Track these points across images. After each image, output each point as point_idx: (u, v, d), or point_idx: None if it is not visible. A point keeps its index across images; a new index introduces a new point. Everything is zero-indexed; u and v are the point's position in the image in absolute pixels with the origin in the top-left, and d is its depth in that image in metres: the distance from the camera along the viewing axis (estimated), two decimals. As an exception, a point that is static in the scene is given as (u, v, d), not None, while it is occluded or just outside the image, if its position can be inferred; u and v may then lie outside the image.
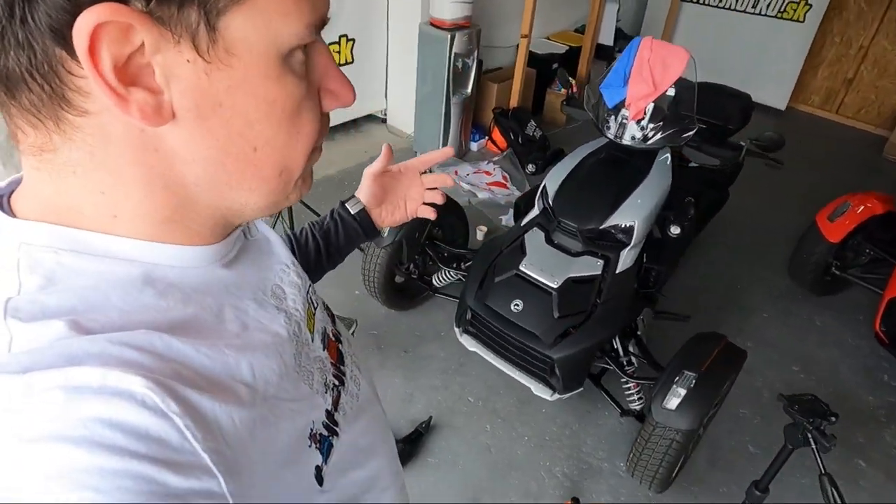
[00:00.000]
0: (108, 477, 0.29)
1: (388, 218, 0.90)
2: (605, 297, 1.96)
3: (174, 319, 0.39)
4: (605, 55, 4.83)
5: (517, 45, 3.90)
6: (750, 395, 2.37)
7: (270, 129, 0.39)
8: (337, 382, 0.56)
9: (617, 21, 5.03)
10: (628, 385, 2.06)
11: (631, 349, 2.09)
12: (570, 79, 2.61)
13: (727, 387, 1.85)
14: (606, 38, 4.96)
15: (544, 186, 2.19)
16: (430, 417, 2.16)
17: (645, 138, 2.11)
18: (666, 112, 2.11)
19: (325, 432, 0.49)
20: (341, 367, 0.59)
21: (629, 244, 2.01)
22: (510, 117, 3.98)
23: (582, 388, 2.00)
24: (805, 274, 2.89)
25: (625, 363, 2.04)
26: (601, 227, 2.02)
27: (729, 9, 5.20)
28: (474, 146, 4.16)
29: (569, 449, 2.14)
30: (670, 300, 2.61)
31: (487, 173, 3.78)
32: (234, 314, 0.45)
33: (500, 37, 4.23)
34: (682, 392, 1.68)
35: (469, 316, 2.08)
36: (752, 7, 5.07)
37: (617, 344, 2.06)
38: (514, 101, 4.06)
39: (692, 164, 2.68)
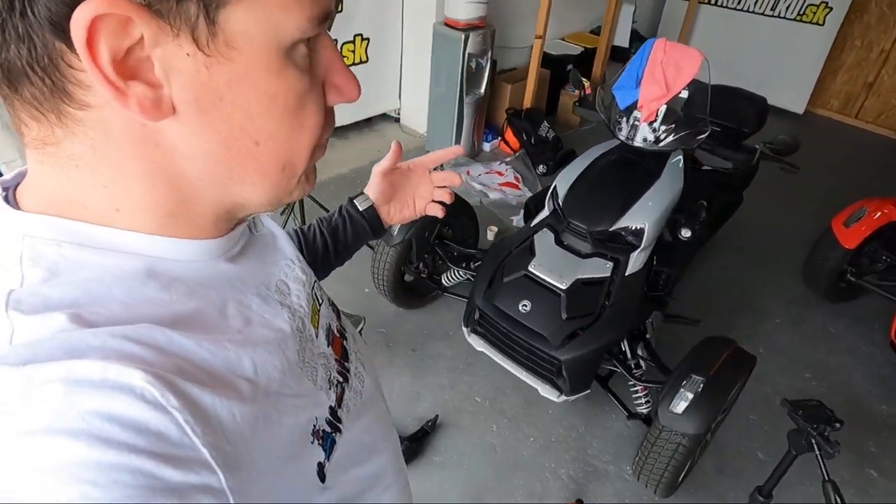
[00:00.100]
0: (106, 471, 0.29)
1: (397, 215, 0.89)
2: (613, 299, 1.95)
3: (177, 313, 0.39)
4: (620, 57, 4.80)
5: (531, 46, 3.90)
6: (760, 401, 2.34)
7: (272, 124, 0.39)
8: (341, 379, 0.55)
9: (633, 22, 5.01)
10: (636, 388, 2.05)
11: (639, 352, 2.08)
12: (583, 80, 2.60)
13: (736, 392, 1.83)
14: (622, 39, 4.94)
15: (554, 187, 2.19)
16: (437, 416, 2.16)
17: (657, 140, 2.10)
18: (679, 114, 2.10)
19: (327, 429, 0.49)
20: (345, 364, 0.58)
21: (639, 246, 2.00)
22: (523, 118, 3.98)
23: (589, 391, 1.99)
24: (819, 280, 2.85)
25: (632, 366, 2.03)
26: (611, 229, 2.01)
27: (747, 11, 5.14)
28: (487, 146, 4.15)
29: (575, 451, 2.13)
30: (681, 303, 2.59)
31: (499, 174, 3.78)
32: (238, 309, 0.45)
33: (514, 37, 4.22)
34: (690, 396, 1.67)
35: (477, 316, 2.08)
36: (771, 9, 5.01)
37: (625, 346, 2.05)
38: (527, 102, 4.05)
39: (705, 167, 2.65)
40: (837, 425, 1.24)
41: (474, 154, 4.05)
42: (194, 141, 0.37)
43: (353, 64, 3.68)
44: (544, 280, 1.95)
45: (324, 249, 0.86)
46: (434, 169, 0.90)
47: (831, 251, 2.74)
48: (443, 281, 2.57)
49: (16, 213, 0.38)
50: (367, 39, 3.68)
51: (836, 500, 1.27)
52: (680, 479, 1.90)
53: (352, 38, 3.60)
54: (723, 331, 2.59)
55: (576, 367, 1.88)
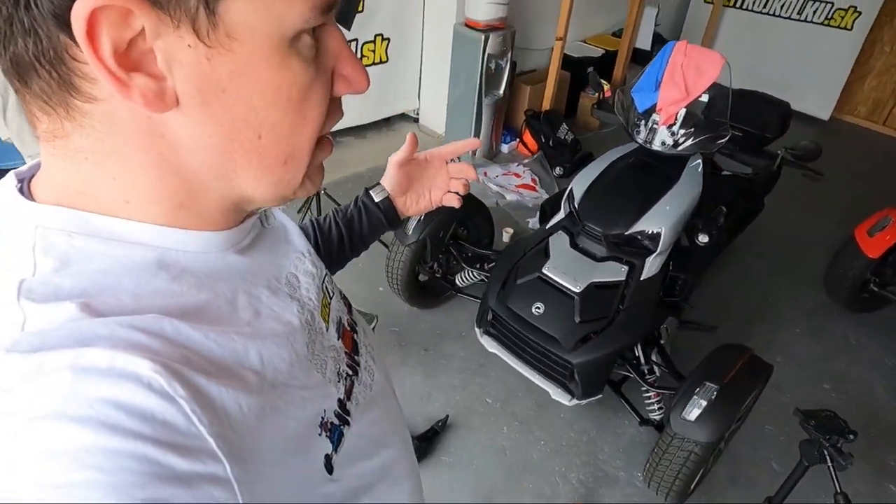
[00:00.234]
0: (112, 457, 0.29)
1: (413, 207, 0.88)
2: (628, 303, 1.93)
3: (186, 304, 0.39)
4: (642, 60, 4.76)
5: (552, 48, 3.88)
6: (776, 411, 2.30)
7: (275, 116, 0.38)
8: (350, 372, 0.56)
9: (656, 25, 4.96)
10: (649, 394, 2.03)
11: (653, 358, 2.06)
12: (603, 82, 2.58)
13: (751, 401, 1.80)
14: (644, 42, 4.89)
15: (571, 190, 2.18)
16: (447, 416, 2.16)
17: (675, 144, 2.07)
18: (698, 118, 2.07)
19: (336, 421, 0.49)
20: (355, 357, 0.59)
21: (655, 251, 1.98)
22: (542, 120, 3.96)
23: (601, 395, 1.98)
24: (841, 289, 2.79)
25: (646, 371, 2.01)
26: (627, 233, 1.99)
27: (773, 15, 5.07)
28: (505, 148, 4.15)
29: (585, 455, 2.11)
30: (699, 309, 2.55)
31: (517, 175, 3.76)
32: (248, 301, 0.45)
33: (535, 39, 4.21)
34: (703, 404, 1.65)
35: (490, 317, 2.07)
36: (798, 13, 4.93)
37: (638, 352, 2.03)
38: (546, 104, 4.04)
39: (725, 172, 2.62)
40: (851, 437, 1.21)
41: (492, 155, 4.04)
42: (197, 133, 0.37)
43: (373, 63, 3.70)
44: (558, 283, 1.94)
45: (339, 241, 0.87)
46: (450, 161, 0.89)
47: (854, 260, 2.68)
48: (457, 281, 2.57)
49: (29, 204, 0.38)
50: (388, 39, 3.70)
51: (848, 513, 1.25)
52: (692, 487, 1.88)
53: (372, 38, 3.62)
54: (740, 338, 2.54)
55: (588, 371, 1.87)
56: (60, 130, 0.36)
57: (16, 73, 0.35)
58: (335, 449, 0.48)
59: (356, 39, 3.52)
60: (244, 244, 0.48)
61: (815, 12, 4.83)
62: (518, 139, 4.16)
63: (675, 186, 2.07)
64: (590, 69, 2.59)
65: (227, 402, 0.36)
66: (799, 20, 4.94)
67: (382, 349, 0.70)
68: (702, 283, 2.74)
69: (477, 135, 3.83)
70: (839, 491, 1.28)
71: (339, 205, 1.00)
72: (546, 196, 3.52)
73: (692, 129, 2.05)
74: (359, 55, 3.59)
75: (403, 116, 4.30)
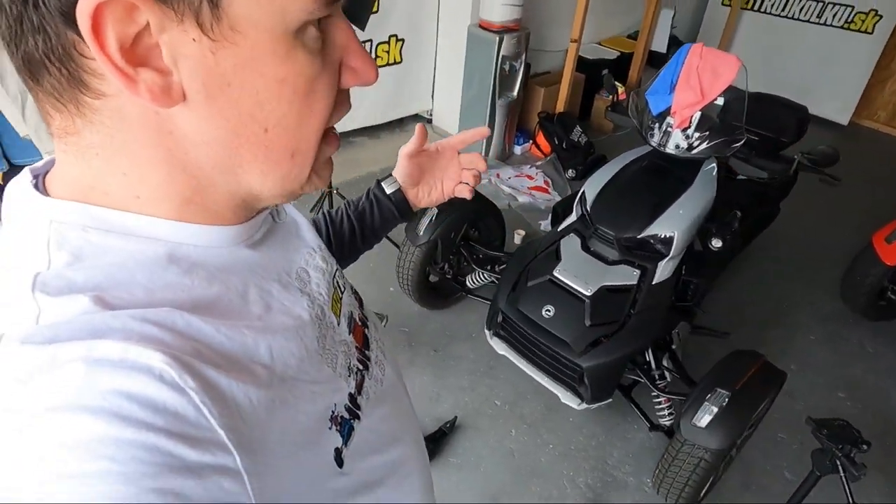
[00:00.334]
0: (124, 447, 0.30)
1: (425, 198, 0.87)
2: (639, 307, 1.92)
3: (198, 298, 0.40)
4: (657, 62, 4.71)
5: (567, 50, 3.87)
6: (790, 418, 2.27)
7: (281, 109, 0.38)
8: (361, 367, 0.56)
9: (672, 28, 4.91)
10: (659, 399, 2.01)
11: (664, 363, 2.04)
12: (617, 85, 2.56)
13: (763, 408, 1.77)
14: (660, 45, 4.86)
15: (583, 192, 2.16)
16: (455, 418, 2.16)
17: (690, 147, 2.05)
18: (713, 121, 2.05)
19: (346, 415, 0.49)
20: (366, 352, 0.59)
21: (668, 255, 1.97)
22: (555, 122, 3.95)
23: (611, 400, 1.96)
24: (858, 297, 2.75)
25: (656, 377, 1.99)
26: (639, 237, 1.97)
27: (792, 18, 5.00)
28: (518, 150, 4.14)
29: (594, 460, 2.10)
30: (712, 315, 2.53)
31: (529, 177, 3.75)
32: (259, 295, 0.45)
33: (549, 41, 4.19)
34: (714, 410, 1.63)
35: (500, 319, 2.07)
36: (818, 17, 4.86)
37: (649, 356, 2.01)
38: (560, 106, 4.02)
39: (740, 177, 2.59)
40: (864, 447, 1.19)
41: (505, 157, 4.03)
42: (204, 128, 0.37)
43: (388, 64, 3.71)
44: (569, 286, 1.93)
45: (350, 234, 0.86)
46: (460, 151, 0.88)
47: (872, 267, 2.64)
48: (467, 283, 2.57)
49: (44, 199, 0.39)
50: (402, 40, 3.71)
51: (862, 524, 1.22)
52: (702, 494, 1.86)
53: (386, 39, 3.63)
54: (754, 345, 2.51)
55: (598, 375, 1.86)
56: (72, 127, 0.37)
57: (28, 71, 0.35)
58: (345, 443, 0.48)
59: (370, 40, 3.53)
60: (255, 239, 0.49)
61: (834, 16, 4.76)
62: (531, 141, 4.15)
63: (689, 190, 2.05)
64: (604, 71, 2.58)
65: (237, 394, 0.37)
66: (818, 23, 4.87)
67: (392, 349, 0.70)
68: (715, 289, 2.71)
69: (490, 136, 3.82)
70: (852, 502, 1.26)
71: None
72: (559, 198, 3.50)
73: (707, 133, 2.03)
74: (373, 56, 3.60)
75: (417, 117, 4.30)
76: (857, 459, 1.19)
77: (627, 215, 2.02)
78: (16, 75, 0.38)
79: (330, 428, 0.47)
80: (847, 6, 4.68)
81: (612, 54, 4.65)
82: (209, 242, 0.43)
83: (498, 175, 3.73)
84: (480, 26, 3.54)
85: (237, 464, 0.35)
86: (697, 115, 2.01)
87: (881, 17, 4.51)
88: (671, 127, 2.06)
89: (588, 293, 1.89)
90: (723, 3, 5.42)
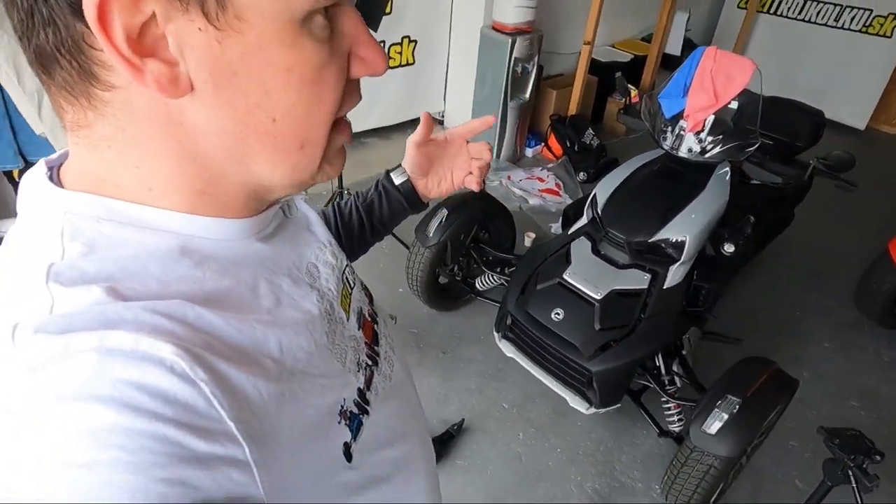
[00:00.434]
0: (134, 437, 0.30)
1: (435, 189, 0.85)
2: (649, 312, 1.90)
3: (209, 291, 0.40)
4: (671, 65, 4.68)
5: (580, 52, 3.85)
6: (802, 427, 2.24)
7: (289, 98, 0.38)
8: (370, 362, 0.56)
9: (686, 31, 4.89)
10: (669, 405, 1.99)
11: (674, 368, 2.02)
12: (630, 87, 2.55)
13: (774, 416, 1.75)
14: (674, 47, 4.83)
15: (594, 195, 2.15)
16: (463, 420, 2.15)
17: (703, 151, 2.03)
18: (727, 125, 2.03)
19: (355, 410, 0.49)
20: (375, 348, 0.59)
21: (679, 260, 1.95)
22: (567, 125, 3.93)
23: (620, 405, 1.95)
24: (873, 304, 2.71)
25: (666, 382, 1.97)
26: (650, 241, 1.96)
27: (809, 21, 4.95)
28: (529, 152, 4.12)
29: (602, 465, 2.08)
30: (724, 320, 2.50)
31: (541, 179, 3.74)
32: (269, 289, 0.46)
33: (562, 43, 4.18)
34: (724, 417, 1.61)
35: (509, 321, 2.06)
36: (835, 20, 4.81)
37: (659, 362, 1.99)
38: (572, 109, 4.01)
39: (753, 181, 2.56)
40: (878, 457, 1.17)
41: (516, 159, 4.02)
42: (212, 118, 0.37)
43: (400, 65, 3.72)
44: (579, 289, 1.92)
45: (360, 226, 0.86)
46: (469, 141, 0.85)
47: (888, 274, 2.60)
48: (477, 285, 2.57)
49: (58, 191, 0.39)
50: (415, 41, 3.71)
51: (874, 536, 1.20)
52: (711, 501, 1.83)
53: (399, 40, 3.63)
54: (766, 351, 2.48)
55: (607, 380, 1.85)
56: (84, 120, 0.37)
57: (40, 65, 0.36)
58: (354, 437, 0.48)
59: (383, 41, 3.54)
60: (267, 232, 0.49)
61: (852, 19, 4.71)
62: (543, 143, 4.14)
63: (702, 194, 2.03)
64: (617, 74, 2.56)
65: (246, 387, 0.37)
66: (835, 27, 4.82)
67: (401, 347, 0.70)
68: (727, 294, 2.69)
69: (501, 138, 3.82)
70: (864, 513, 1.24)
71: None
72: (570, 201, 3.49)
73: (720, 137, 2.01)
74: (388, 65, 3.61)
75: (428, 119, 4.30)
76: (869, 470, 1.17)
77: (639, 219, 2.00)
78: (32, 75, 0.38)
79: (339, 422, 0.47)
80: (865, 10, 4.63)
81: (625, 57, 4.62)
82: (221, 235, 0.44)
83: (509, 177, 3.72)
84: (493, 28, 3.54)
85: (246, 455, 0.35)
86: (711, 118, 1.99)
87: (900, 20, 4.45)
88: (684, 130, 2.04)
89: (598, 297, 1.88)
90: (738, 6, 5.38)
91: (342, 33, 0.40)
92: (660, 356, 1.98)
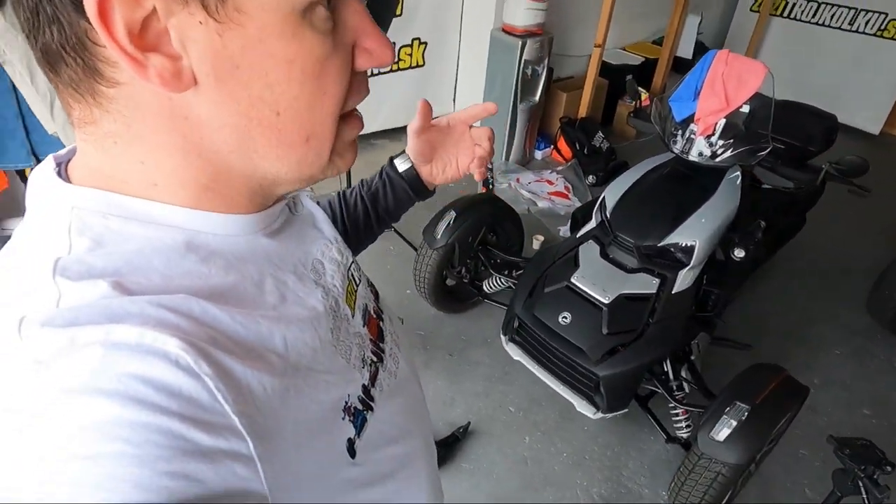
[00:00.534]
0: (139, 430, 0.30)
1: (440, 175, 0.83)
2: (658, 317, 1.88)
3: (214, 286, 0.40)
4: (683, 68, 4.66)
5: (590, 55, 3.84)
6: (812, 435, 2.21)
7: (292, 91, 0.38)
8: (375, 359, 0.56)
9: (698, 34, 4.86)
10: (677, 411, 1.97)
11: (682, 374, 2.00)
12: (641, 90, 2.53)
13: (784, 424, 1.73)
14: (685, 51, 4.80)
15: (603, 199, 2.14)
16: (469, 423, 2.15)
17: (713, 155, 2.02)
18: (738, 129, 2.01)
19: (359, 406, 0.49)
20: (380, 344, 0.59)
21: (688, 264, 1.93)
22: (577, 127, 3.92)
23: (627, 410, 1.93)
24: (886, 311, 2.68)
25: (674, 388, 1.95)
26: (659, 245, 1.94)
27: (823, 25, 4.90)
28: (539, 154, 4.11)
29: (608, 470, 2.07)
30: (734, 326, 2.48)
31: (550, 182, 3.73)
32: (275, 285, 0.46)
33: (573, 45, 4.17)
34: (733, 424, 1.59)
35: (516, 324, 2.05)
36: (849, 24, 4.76)
37: (667, 367, 1.97)
38: (582, 112, 3.99)
39: (765, 186, 2.54)
40: (889, 468, 1.15)
41: (525, 161, 4.01)
42: (216, 112, 0.37)
43: (410, 67, 3.72)
44: (586, 293, 1.91)
45: (365, 216, 0.85)
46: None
47: (901, 281, 2.57)
48: (484, 287, 2.56)
49: (66, 186, 0.40)
50: (425, 43, 3.71)
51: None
52: (718, 509, 1.82)
53: (409, 42, 3.64)
54: (776, 358, 2.46)
55: (614, 385, 1.83)
56: (90, 116, 0.38)
57: (47, 63, 0.36)
58: (358, 434, 0.48)
59: (394, 43, 3.54)
60: (273, 228, 0.49)
61: (867, 23, 4.66)
62: (552, 146, 4.12)
63: (712, 199, 2.02)
64: (628, 77, 2.54)
65: (251, 381, 0.37)
66: (850, 31, 4.76)
67: (408, 344, 0.70)
68: (737, 300, 2.66)
69: (511, 140, 3.81)
70: (874, 524, 1.22)
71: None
72: (578, 204, 3.48)
73: (731, 141, 2.00)
74: (395, 58, 3.62)
75: (438, 120, 4.31)
76: (880, 481, 1.15)
77: (648, 223, 1.99)
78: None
79: (343, 418, 0.47)
80: (881, 13, 4.57)
81: (636, 60, 4.60)
82: (227, 231, 0.44)
83: (518, 179, 3.71)
84: (503, 30, 3.53)
85: (250, 450, 0.35)
86: (722, 122, 1.97)
87: (916, 24, 4.40)
88: (694, 134, 2.02)
89: (606, 301, 1.87)
90: (751, 9, 5.34)
91: (346, 25, 0.40)
92: (668, 361, 1.96)
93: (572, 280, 1.95)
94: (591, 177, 3.76)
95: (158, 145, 0.38)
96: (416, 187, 0.83)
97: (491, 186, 3.58)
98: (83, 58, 0.35)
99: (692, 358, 2.05)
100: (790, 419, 1.75)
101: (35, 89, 1.78)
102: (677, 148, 2.08)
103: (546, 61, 3.61)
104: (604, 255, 2.02)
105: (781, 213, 2.62)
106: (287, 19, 0.35)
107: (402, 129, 3.98)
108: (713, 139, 2.00)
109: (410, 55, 3.69)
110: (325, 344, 0.48)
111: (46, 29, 0.34)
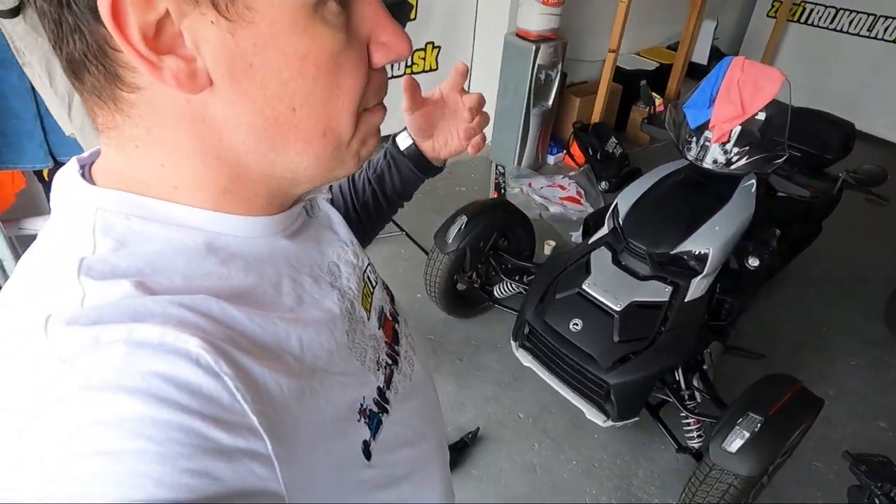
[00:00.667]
0: (161, 427, 0.31)
1: (444, 150, 0.80)
2: (670, 325, 1.87)
3: (234, 287, 0.41)
4: (697, 74, 4.63)
5: (604, 60, 3.82)
6: (826, 447, 2.17)
7: (306, 87, 0.38)
8: (390, 361, 0.56)
9: (714, 39, 4.82)
10: (688, 421, 1.95)
11: (694, 383, 1.98)
12: (655, 96, 2.52)
13: (798, 436, 1.70)
14: (701, 56, 4.76)
15: (616, 205, 2.13)
16: (478, 428, 2.14)
17: (728, 162, 2.00)
18: (754, 136, 1.99)
19: (375, 409, 0.50)
20: (395, 347, 0.59)
21: (701, 272, 1.91)
22: (590, 132, 3.90)
23: (638, 418, 1.91)
24: (904, 322, 2.63)
25: (686, 397, 1.93)
26: (672, 252, 1.93)
27: (841, 31, 4.84)
28: (551, 159, 4.10)
29: (618, 479, 2.05)
30: (748, 335, 2.45)
31: (562, 187, 3.71)
32: (292, 287, 0.46)
33: (587, 50, 4.15)
34: (746, 435, 1.57)
35: (526, 330, 2.04)
36: (868, 30, 4.70)
37: (679, 376, 1.95)
38: (596, 117, 3.97)
39: (780, 194, 2.51)
40: (906, 486, 1.12)
41: (538, 166, 4.00)
42: (232, 112, 0.38)
43: (423, 71, 3.73)
44: (598, 300, 1.89)
45: (374, 199, 0.85)
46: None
47: (919, 292, 2.53)
48: (495, 292, 2.55)
49: (90, 188, 0.41)
50: (439, 48, 3.72)
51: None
52: (730, 521, 1.79)
53: (423, 46, 3.64)
54: (790, 368, 2.42)
55: (625, 393, 1.82)
56: (112, 122, 0.39)
57: (71, 72, 0.37)
58: (373, 436, 0.49)
59: (407, 47, 3.55)
60: (292, 229, 0.50)
61: (886, 29, 4.59)
62: (565, 151, 4.11)
63: (726, 207, 2.00)
64: (642, 82, 2.53)
65: (269, 382, 0.37)
66: (868, 37, 4.70)
67: (423, 347, 0.69)
68: (751, 309, 2.63)
69: (523, 144, 3.81)
70: (891, 541, 1.19)
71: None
72: (591, 210, 3.46)
73: (746, 148, 1.98)
74: (409, 62, 3.62)
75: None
76: (897, 497, 1.13)
77: (661, 230, 1.97)
78: (63, 76, 0.41)
79: (358, 420, 0.47)
80: (900, 20, 4.52)
81: (650, 65, 4.58)
82: (247, 232, 0.44)
83: (530, 184, 3.70)
84: (517, 35, 3.53)
85: (268, 450, 0.35)
86: (737, 129, 1.96)
87: (937, 31, 4.34)
88: (709, 141, 2.01)
89: (617, 308, 1.86)
90: (767, 15, 5.29)
91: (360, 19, 0.40)
92: (680, 370, 1.95)
93: (584, 287, 1.94)
94: (603, 182, 3.73)
95: (177, 148, 0.39)
96: (420, 165, 0.81)
97: (503, 191, 3.57)
98: (104, 64, 0.35)
99: (704, 367, 2.03)
100: (804, 431, 1.73)
101: (54, 91, 1.81)
102: (691, 155, 2.07)
103: (560, 66, 3.60)
104: (616, 261, 2.01)
105: (797, 222, 2.59)
106: (298, 14, 0.36)
107: (415, 133, 4.01)
108: (728, 146, 1.99)
109: (424, 59, 3.70)
110: (341, 346, 0.48)
111: (69, 38, 0.34)
